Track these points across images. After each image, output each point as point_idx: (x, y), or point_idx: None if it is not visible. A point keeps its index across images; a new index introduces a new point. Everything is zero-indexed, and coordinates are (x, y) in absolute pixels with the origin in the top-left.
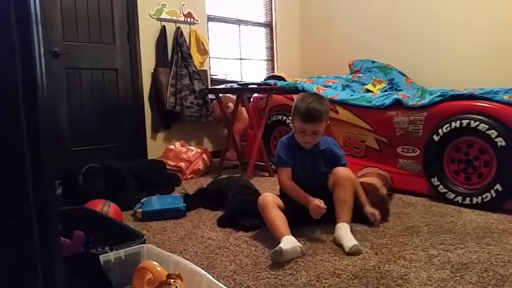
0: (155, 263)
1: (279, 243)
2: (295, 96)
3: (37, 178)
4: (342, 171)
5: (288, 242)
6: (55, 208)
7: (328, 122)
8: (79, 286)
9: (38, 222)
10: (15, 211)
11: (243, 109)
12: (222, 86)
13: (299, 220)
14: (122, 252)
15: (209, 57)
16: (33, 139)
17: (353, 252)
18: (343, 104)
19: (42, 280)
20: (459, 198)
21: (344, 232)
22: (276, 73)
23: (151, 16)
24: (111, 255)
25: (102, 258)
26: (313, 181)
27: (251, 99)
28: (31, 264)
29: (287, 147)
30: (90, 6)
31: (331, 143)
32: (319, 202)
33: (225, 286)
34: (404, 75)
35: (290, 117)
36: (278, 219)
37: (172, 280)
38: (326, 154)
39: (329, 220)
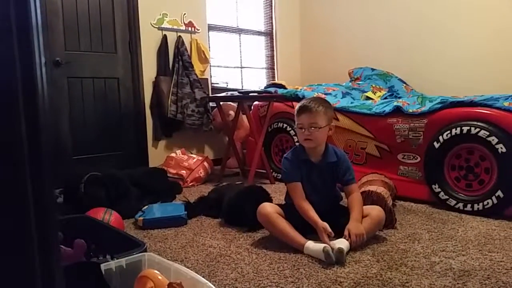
0: (156, 271)
1: (297, 251)
2: (295, 104)
3: (37, 186)
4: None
5: (319, 245)
6: (55, 217)
7: (333, 125)
8: None
9: (38, 231)
10: (14, 220)
11: (244, 117)
12: (223, 94)
13: (301, 228)
14: (123, 261)
15: (210, 66)
16: (33, 150)
17: (337, 256)
18: (344, 111)
19: None
20: (460, 205)
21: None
22: (276, 81)
23: (152, 26)
24: (112, 264)
25: (103, 266)
26: (320, 194)
27: (252, 107)
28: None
29: (292, 161)
30: (91, 15)
31: (342, 156)
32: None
33: None
34: (404, 82)
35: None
36: (288, 228)
37: None
38: (334, 166)
39: (336, 232)
